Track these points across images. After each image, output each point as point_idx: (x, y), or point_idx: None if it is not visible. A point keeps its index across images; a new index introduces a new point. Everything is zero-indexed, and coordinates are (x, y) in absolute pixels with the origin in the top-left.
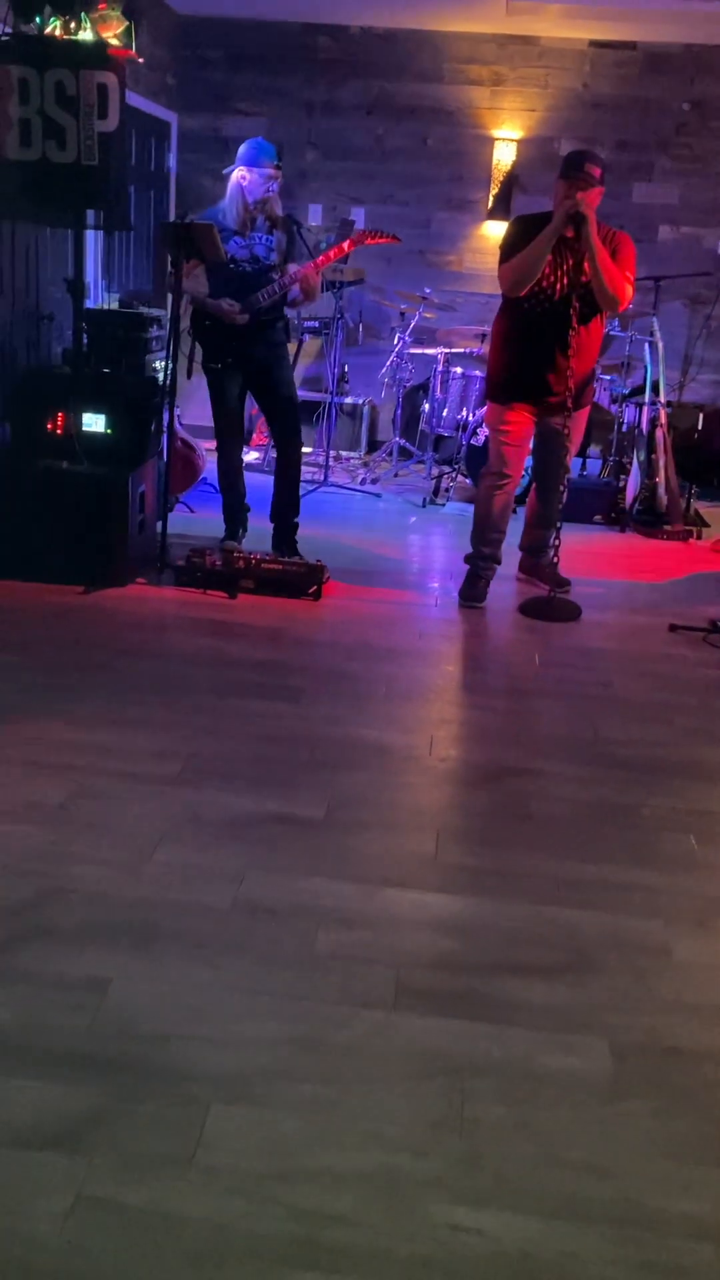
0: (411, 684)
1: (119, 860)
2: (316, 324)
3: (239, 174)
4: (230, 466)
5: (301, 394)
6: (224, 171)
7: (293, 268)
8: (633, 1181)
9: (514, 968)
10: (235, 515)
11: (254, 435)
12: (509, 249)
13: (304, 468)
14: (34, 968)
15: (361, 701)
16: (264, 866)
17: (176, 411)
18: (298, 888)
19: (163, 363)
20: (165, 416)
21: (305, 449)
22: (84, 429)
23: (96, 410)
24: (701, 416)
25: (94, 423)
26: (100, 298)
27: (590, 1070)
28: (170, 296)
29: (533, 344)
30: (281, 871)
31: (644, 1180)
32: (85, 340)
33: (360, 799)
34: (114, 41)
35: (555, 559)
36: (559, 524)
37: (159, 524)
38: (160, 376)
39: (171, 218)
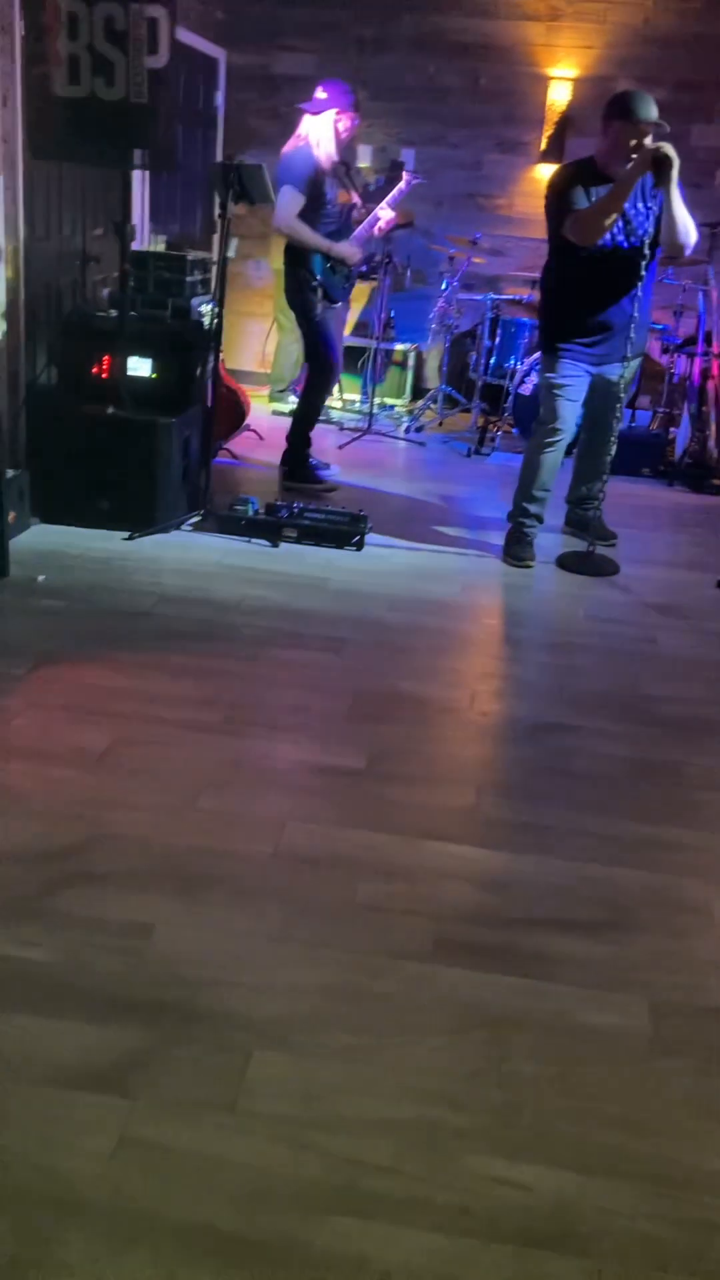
0: (453, 637)
1: (162, 807)
2: (364, 267)
3: (333, 116)
4: (319, 411)
5: (347, 340)
6: (304, 108)
7: (385, 205)
8: (669, 1139)
9: (553, 924)
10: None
11: (301, 382)
12: (569, 199)
13: (348, 414)
14: (78, 911)
15: (403, 654)
16: (305, 816)
17: (220, 357)
18: (338, 838)
19: (209, 306)
20: (210, 362)
21: (351, 396)
22: (129, 374)
23: (141, 355)
24: None
25: (139, 367)
26: (147, 240)
27: (629, 1027)
28: (218, 239)
29: (596, 292)
30: (322, 821)
31: (680, 1138)
32: (131, 283)
33: (401, 751)
34: None
35: (599, 511)
36: (606, 477)
37: (202, 471)
38: (206, 320)
39: (219, 158)
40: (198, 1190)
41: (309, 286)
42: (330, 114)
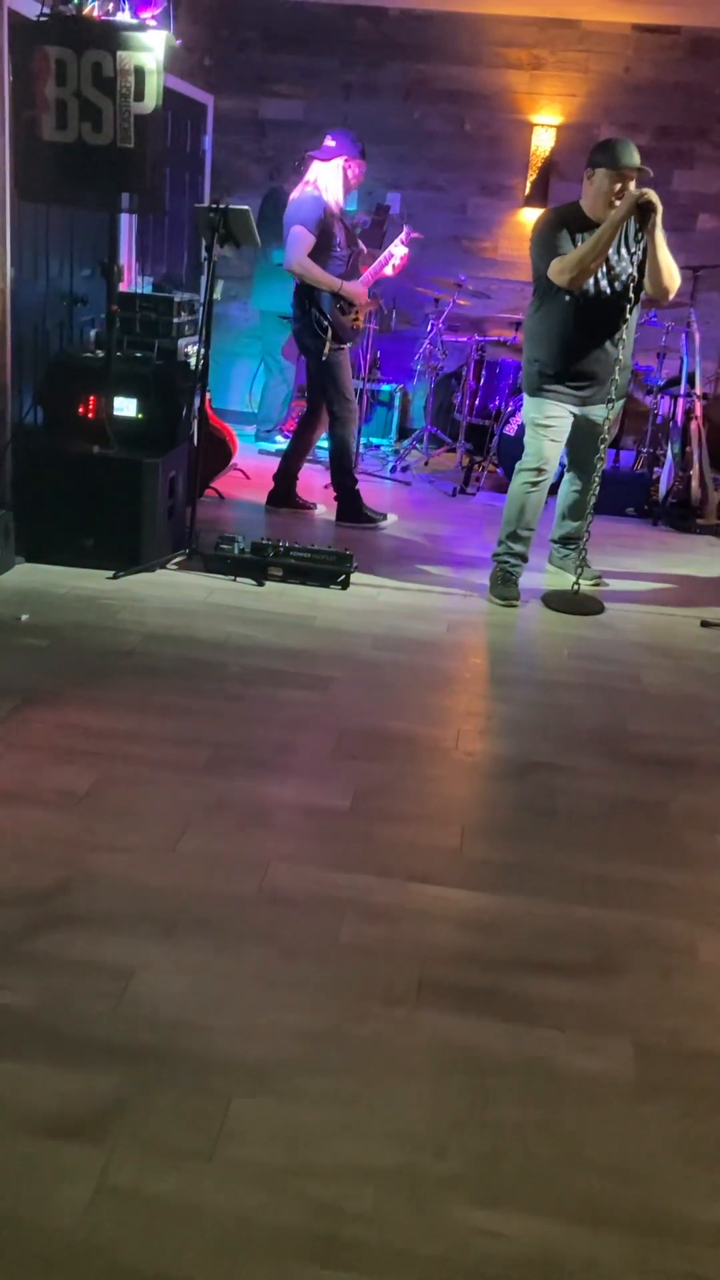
0: (439, 675)
1: (145, 848)
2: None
3: (342, 163)
4: (352, 449)
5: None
6: (312, 155)
7: (400, 242)
8: (656, 1186)
9: (538, 965)
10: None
11: (288, 422)
12: (553, 244)
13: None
14: (59, 954)
15: (388, 692)
16: (289, 857)
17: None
18: (322, 879)
19: (195, 347)
20: (197, 401)
21: None
22: (115, 413)
23: (128, 395)
24: None
25: (125, 407)
26: (135, 281)
27: (614, 1071)
28: (204, 280)
29: (579, 336)
30: (306, 862)
31: (668, 1185)
32: (117, 324)
33: (386, 790)
34: (152, 23)
35: (584, 551)
36: (590, 516)
37: (188, 509)
38: (193, 361)
39: (207, 200)
40: (176, 1241)
41: (319, 326)
42: (339, 161)
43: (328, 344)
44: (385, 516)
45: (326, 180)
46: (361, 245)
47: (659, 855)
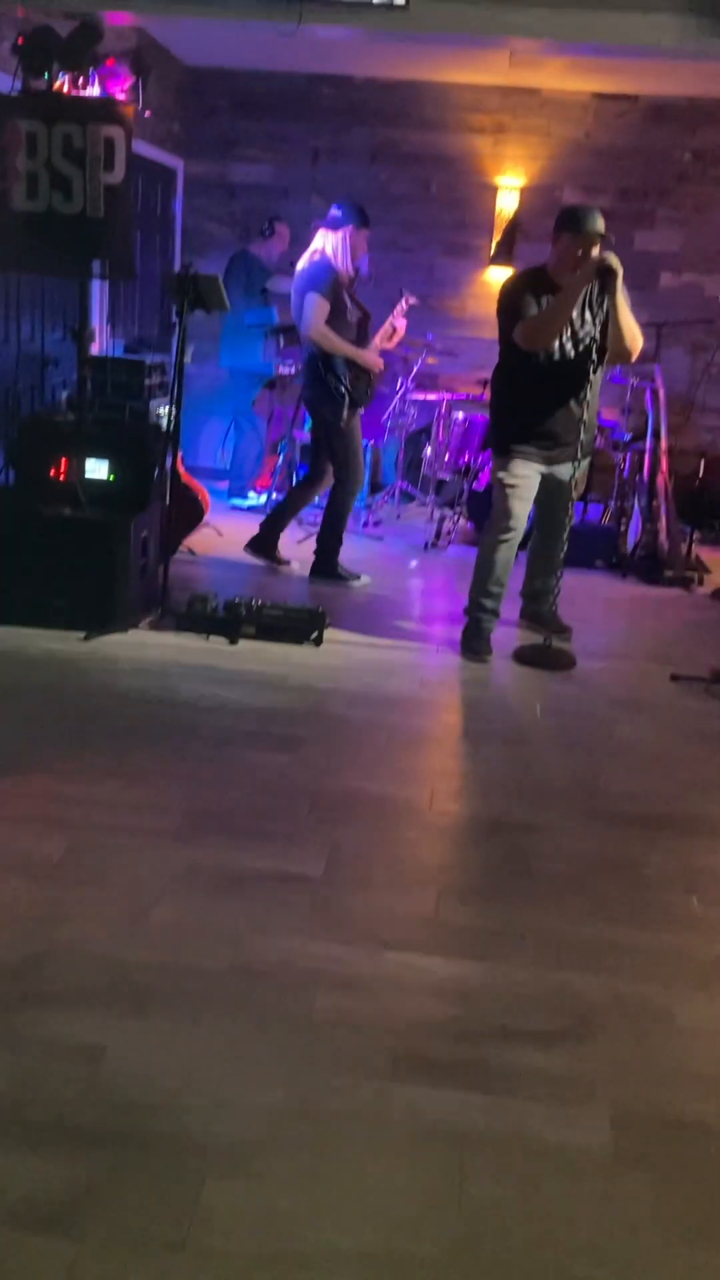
0: (412, 733)
1: (116, 919)
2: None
3: (351, 231)
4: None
5: (305, 437)
6: (320, 224)
7: (397, 316)
8: (635, 1265)
9: (514, 1034)
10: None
11: (260, 478)
12: (518, 308)
13: (307, 510)
14: (28, 1033)
15: (362, 751)
16: (262, 927)
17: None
18: (296, 949)
19: (166, 408)
20: (169, 461)
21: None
22: (87, 475)
23: (99, 456)
24: (703, 462)
25: (97, 469)
26: (106, 343)
27: (591, 1144)
28: (175, 341)
29: (545, 396)
30: (279, 932)
31: (646, 1263)
32: (89, 386)
33: (360, 855)
34: (121, 96)
35: (555, 606)
36: (560, 571)
37: (160, 569)
38: (164, 422)
39: (177, 262)
40: None
41: (337, 394)
42: (348, 230)
43: (345, 410)
44: (359, 577)
45: (334, 248)
46: (367, 311)
47: (634, 917)
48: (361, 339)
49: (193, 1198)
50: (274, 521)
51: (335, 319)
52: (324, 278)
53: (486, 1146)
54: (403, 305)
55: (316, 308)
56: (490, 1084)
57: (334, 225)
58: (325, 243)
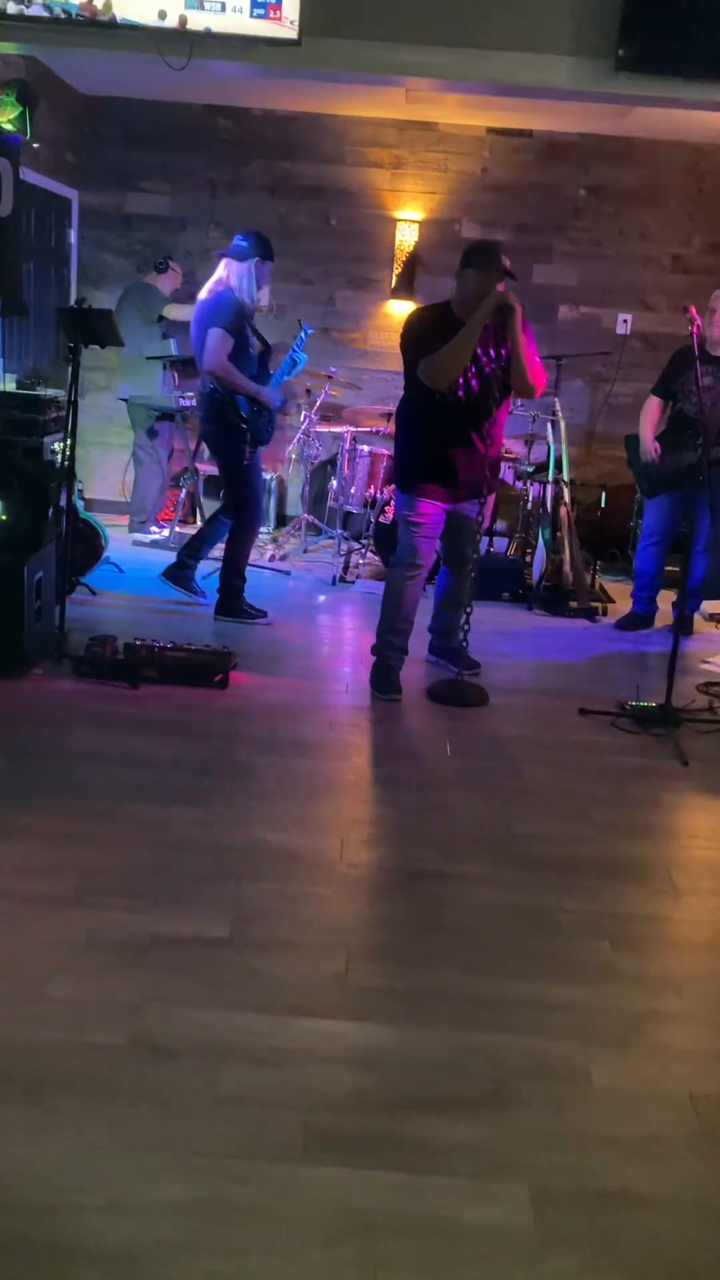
0: (321, 780)
1: (7, 997)
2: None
3: (255, 263)
4: (249, 552)
5: (209, 469)
6: (222, 255)
7: (299, 350)
8: None
9: (429, 1104)
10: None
11: (163, 510)
12: (422, 344)
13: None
14: None
15: (269, 801)
16: (164, 998)
17: (79, 487)
18: (200, 1021)
19: (61, 444)
20: (64, 498)
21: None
22: None
23: None
24: (604, 492)
25: None
26: None
27: (511, 1222)
28: (70, 377)
29: (445, 433)
30: (183, 1003)
31: None
32: None
33: (267, 914)
34: (8, 127)
35: (465, 641)
36: (470, 605)
37: (56, 610)
38: (58, 459)
39: (73, 293)
40: None
41: (237, 431)
42: (253, 262)
43: (246, 447)
44: (264, 614)
45: (238, 280)
46: (268, 344)
47: (549, 969)
48: (263, 371)
49: None
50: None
51: (238, 353)
52: (227, 312)
53: (402, 1231)
54: (301, 336)
55: (220, 342)
56: (405, 1161)
57: (239, 255)
58: (230, 273)
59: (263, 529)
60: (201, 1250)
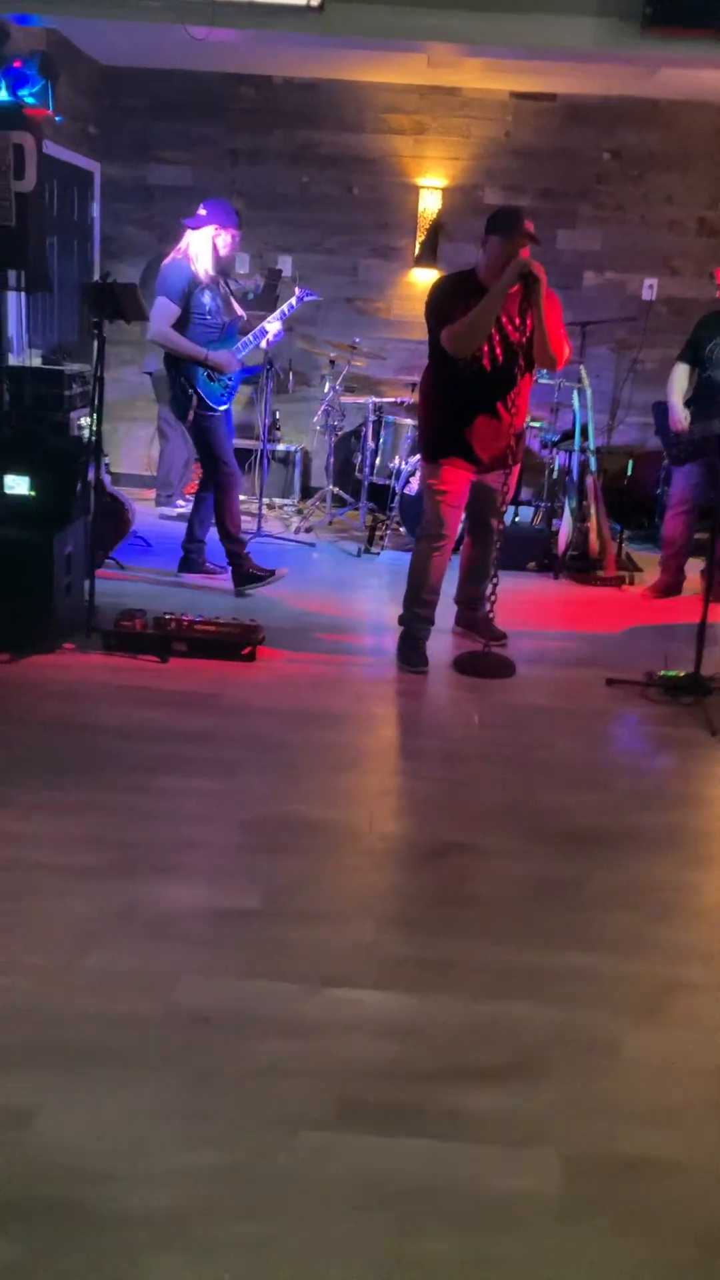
0: (349, 753)
1: (45, 969)
2: (255, 371)
3: (212, 232)
4: (236, 512)
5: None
6: (186, 223)
7: (274, 319)
8: None
9: (458, 1073)
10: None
11: (189, 484)
12: (445, 312)
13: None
14: None
15: (298, 774)
16: (199, 968)
17: (105, 461)
18: (234, 991)
19: (88, 418)
20: (91, 473)
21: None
22: (6, 491)
23: (19, 472)
24: (631, 460)
25: (16, 485)
26: (23, 353)
27: (541, 1190)
28: (96, 352)
29: (471, 403)
30: (217, 973)
31: None
32: (6, 399)
33: (298, 885)
34: (30, 101)
35: (491, 612)
36: (495, 576)
37: (86, 585)
38: (85, 433)
39: (96, 268)
40: None
41: (184, 395)
42: (209, 230)
43: (192, 410)
44: (272, 572)
45: (197, 249)
46: (240, 311)
47: (577, 940)
48: (225, 341)
49: (136, 1276)
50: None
51: (193, 322)
52: (175, 281)
53: (433, 1198)
54: (292, 302)
55: (160, 311)
56: (436, 1128)
57: (197, 224)
58: (189, 242)
59: (288, 501)
60: (239, 1214)
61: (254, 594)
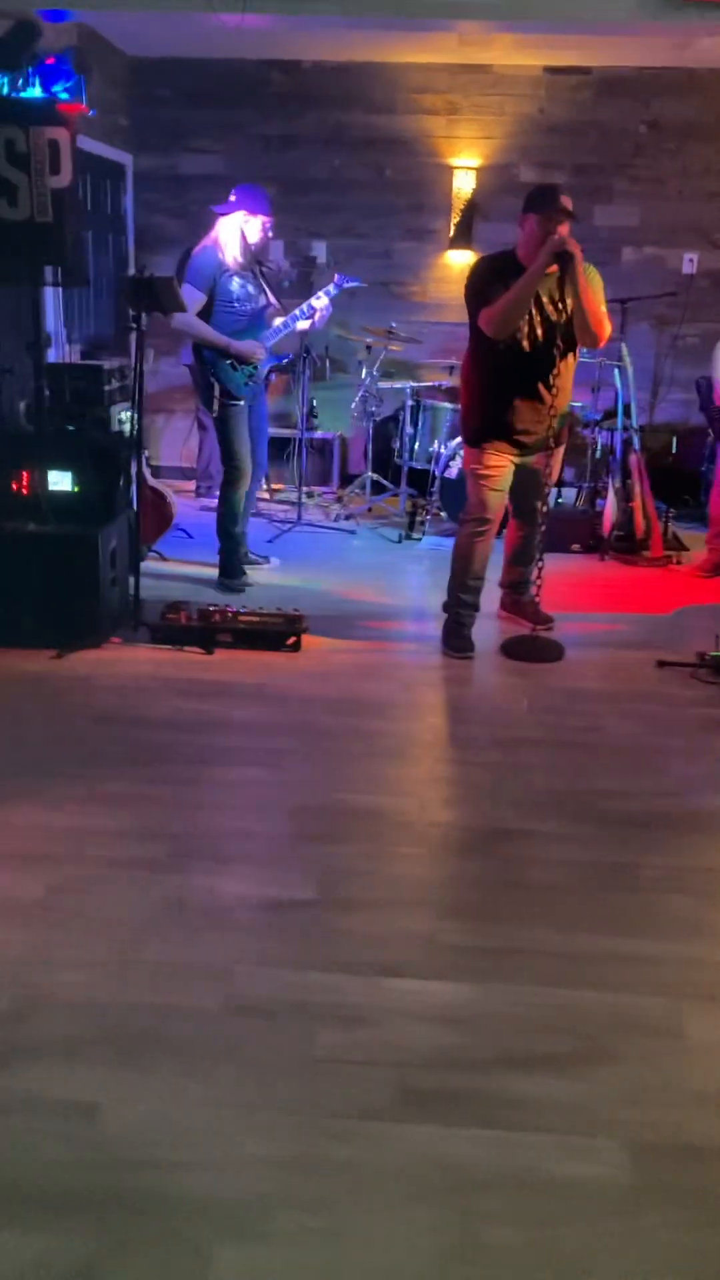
0: (397, 740)
1: (102, 962)
2: (283, 359)
3: (241, 218)
4: (243, 506)
5: (270, 430)
6: (216, 210)
7: (307, 307)
8: None
9: (519, 1061)
10: (239, 557)
11: None
12: (484, 294)
13: (277, 506)
14: (14, 1092)
15: (347, 762)
16: (255, 959)
17: (145, 455)
18: (291, 982)
19: (128, 413)
20: (133, 467)
21: (277, 485)
22: (50, 487)
23: (62, 468)
24: (674, 438)
25: (60, 481)
26: (62, 348)
27: (606, 1178)
28: (134, 346)
29: (513, 385)
30: (274, 964)
31: None
32: (47, 395)
33: (351, 874)
34: (64, 96)
35: (537, 595)
36: (540, 558)
37: (131, 579)
38: (126, 428)
39: (131, 261)
40: None
41: (207, 384)
42: (239, 216)
43: (216, 400)
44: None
45: (226, 237)
46: (272, 299)
47: (634, 926)
48: (254, 330)
49: (199, 1267)
50: (223, 549)
51: (220, 310)
52: (200, 268)
53: (498, 1187)
54: (331, 287)
55: (187, 299)
56: (498, 1116)
57: (226, 210)
58: (219, 229)
59: (327, 489)
60: (303, 1205)
61: (228, 588)
